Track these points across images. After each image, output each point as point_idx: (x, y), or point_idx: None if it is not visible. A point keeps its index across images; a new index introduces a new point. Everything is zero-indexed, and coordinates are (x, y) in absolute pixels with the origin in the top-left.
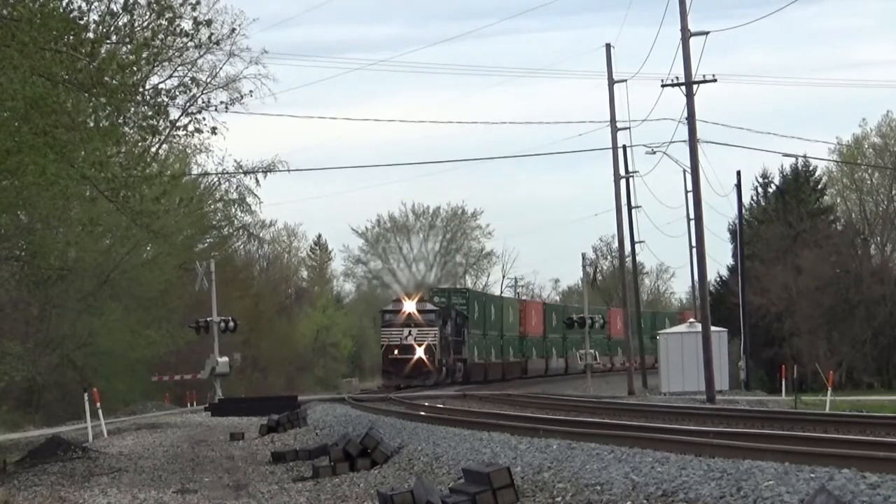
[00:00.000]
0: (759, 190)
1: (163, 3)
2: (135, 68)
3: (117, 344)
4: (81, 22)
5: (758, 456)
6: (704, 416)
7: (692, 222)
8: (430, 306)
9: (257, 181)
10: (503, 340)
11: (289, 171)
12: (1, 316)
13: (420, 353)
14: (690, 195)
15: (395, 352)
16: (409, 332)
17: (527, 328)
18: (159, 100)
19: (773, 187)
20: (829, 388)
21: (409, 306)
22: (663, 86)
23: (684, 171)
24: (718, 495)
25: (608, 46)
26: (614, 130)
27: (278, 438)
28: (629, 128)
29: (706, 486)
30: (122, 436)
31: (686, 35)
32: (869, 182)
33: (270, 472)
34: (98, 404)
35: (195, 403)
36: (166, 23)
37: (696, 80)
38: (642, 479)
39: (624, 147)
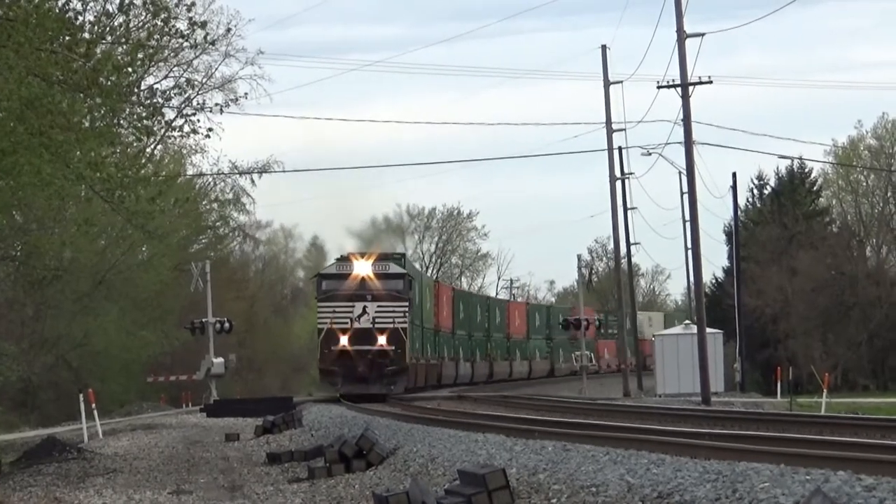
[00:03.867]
0: (755, 192)
1: (158, 3)
2: (130, 69)
3: (112, 344)
4: (77, 22)
5: (753, 458)
6: (700, 417)
7: (688, 224)
8: (394, 267)
9: (252, 182)
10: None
11: (284, 171)
12: None
13: (383, 341)
14: (686, 197)
15: (342, 340)
16: (365, 308)
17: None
18: (155, 101)
19: (769, 189)
20: (825, 391)
21: (364, 267)
22: (659, 87)
23: (680, 172)
24: (714, 497)
25: (604, 48)
26: (610, 132)
27: (273, 440)
28: (625, 129)
29: (702, 488)
30: (117, 437)
31: (682, 36)
32: (865, 184)
33: (266, 474)
34: (93, 405)
35: (190, 404)
36: (161, 23)
37: (691, 81)
38: (638, 481)
39: (620, 148)
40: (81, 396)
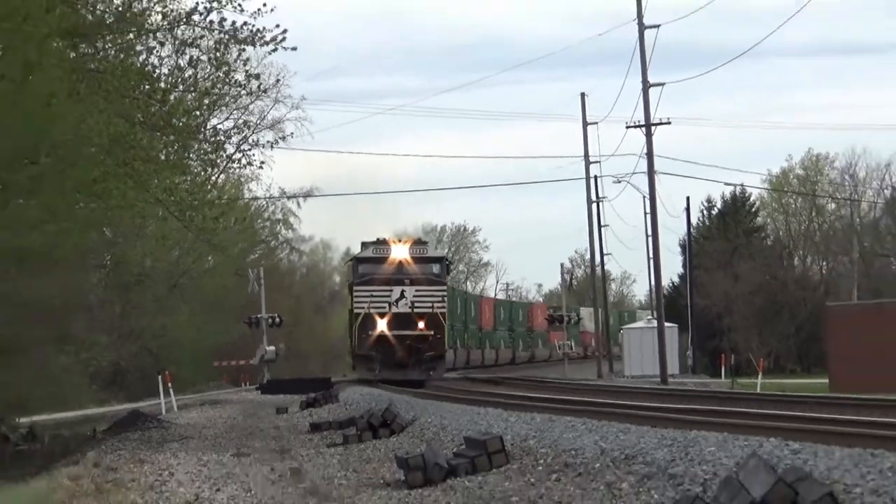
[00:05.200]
0: (705, 212)
1: (220, 59)
2: (198, 113)
3: (185, 336)
4: (154, 74)
5: (702, 428)
6: (659, 395)
7: (650, 239)
8: (431, 251)
9: (298, 204)
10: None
11: (323, 195)
12: (91, 314)
13: (422, 326)
14: (649, 217)
15: (380, 325)
16: (403, 292)
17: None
18: (218, 138)
19: (716, 210)
20: (760, 373)
21: (401, 251)
22: (627, 127)
23: (644, 197)
24: (670, 459)
25: (583, 95)
26: (587, 164)
27: (315, 412)
28: (599, 161)
29: (660, 452)
30: (188, 410)
31: (646, 86)
32: (793, 206)
33: (308, 440)
34: (170, 384)
35: (248, 384)
36: (223, 75)
37: (653, 122)
38: (608, 446)
39: (595, 177)
40: (160, 377)
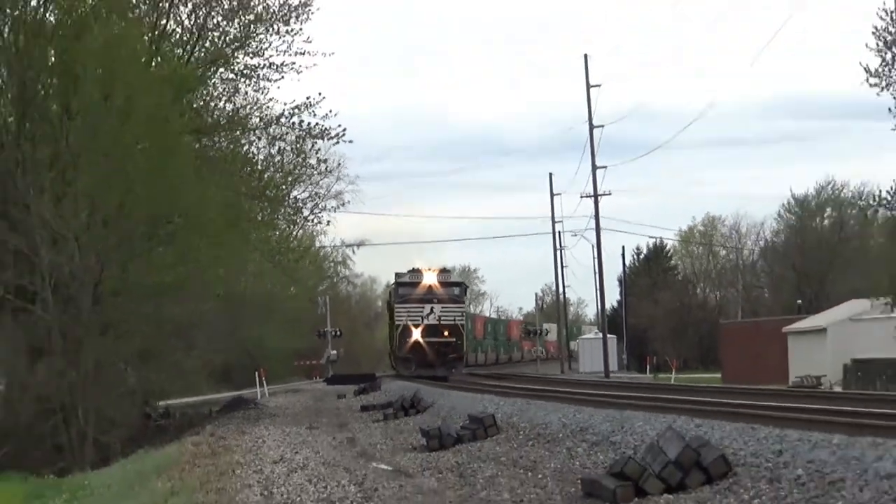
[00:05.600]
0: (635, 257)
1: (300, 149)
2: (283, 187)
3: (274, 343)
4: (254, 160)
5: (633, 408)
6: (603, 385)
7: (597, 276)
8: (453, 278)
9: (353, 251)
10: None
11: (373, 244)
12: (210, 328)
13: (447, 335)
14: (596, 260)
15: (415, 333)
16: (432, 308)
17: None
18: (297, 205)
19: (643, 255)
20: (673, 370)
21: (430, 277)
22: (581, 197)
23: (592, 246)
24: (611, 430)
25: (550, 175)
26: (553, 223)
27: (364, 398)
28: (562, 221)
29: (604, 425)
30: (276, 396)
31: (594, 168)
32: (696, 252)
33: (360, 417)
34: (264, 378)
35: (317, 378)
36: (301, 160)
37: (600, 193)
38: (568, 421)
39: (559, 233)
40: (257, 373)
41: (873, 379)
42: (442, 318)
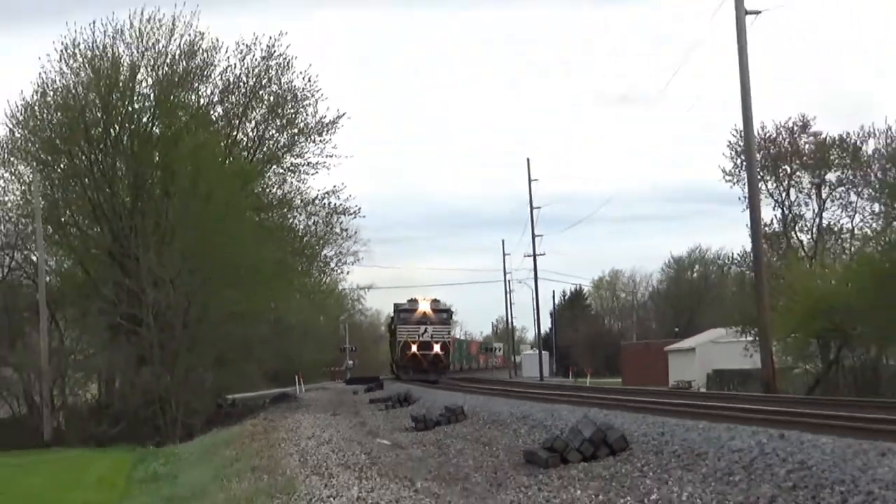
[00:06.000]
0: (562, 297)
1: (328, 220)
2: (317, 248)
3: (309, 356)
4: (296, 228)
5: (560, 402)
6: (538, 386)
7: (535, 310)
8: (443, 306)
9: (364, 292)
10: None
11: (378, 288)
12: (265, 345)
13: (437, 349)
14: (535, 302)
15: (413, 348)
16: (426, 329)
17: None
18: (326, 260)
19: (568, 296)
20: (588, 377)
21: (425, 305)
22: (525, 256)
23: (532, 290)
24: (544, 417)
25: (503, 241)
26: (505, 274)
27: (372, 394)
28: (511, 273)
29: (540, 414)
30: (310, 392)
31: (533, 236)
32: (605, 295)
33: (369, 407)
34: (301, 380)
35: (339, 380)
36: (329, 229)
37: (538, 254)
38: (515, 411)
39: (509, 281)
40: (297, 376)
41: (728, 383)
42: (434, 337)
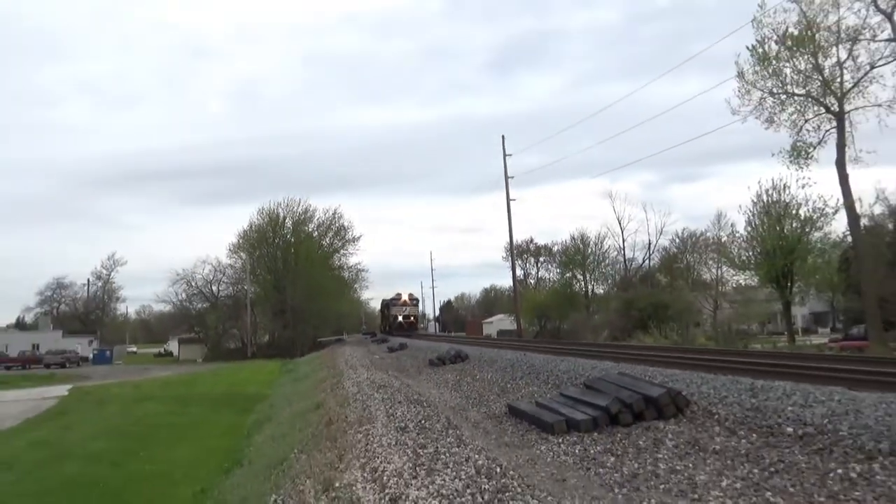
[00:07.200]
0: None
1: (357, 273)
2: (354, 284)
3: (347, 326)
4: (344, 277)
5: (444, 342)
6: (445, 338)
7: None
8: (415, 297)
9: (367, 301)
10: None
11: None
12: (332, 321)
13: (413, 320)
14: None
15: (400, 318)
16: (406, 308)
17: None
18: (355, 288)
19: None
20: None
21: (405, 296)
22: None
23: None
24: (438, 347)
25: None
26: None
27: (373, 338)
28: None
29: (439, 346)
30: (349, 338)
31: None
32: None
33: (371, 344)
34: (345, 334)
35: (359, 333)
36: (356, 275)
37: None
38: (432, 346)
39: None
40: (343, 332)
41: (503, 335)
42: (410, 313)
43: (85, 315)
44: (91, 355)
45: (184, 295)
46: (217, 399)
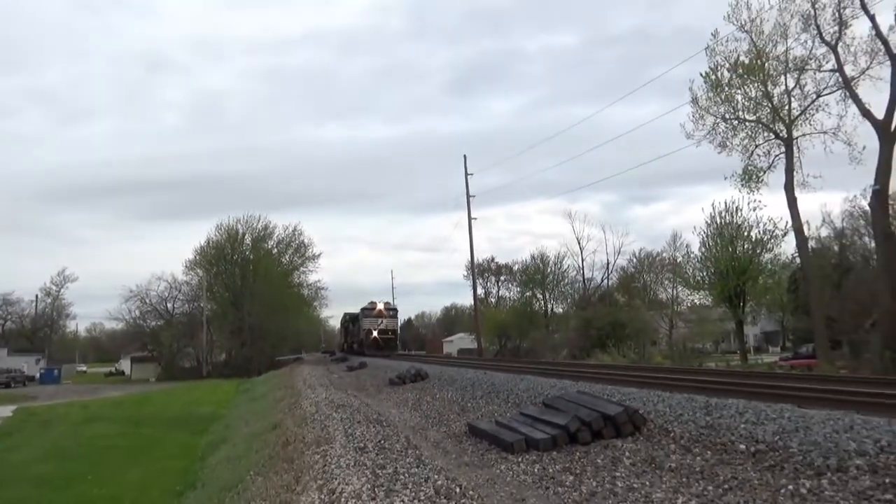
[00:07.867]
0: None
1: (317, 291)
2: (313, 301)
3: (306, 342)
4: (303, 294)
5: (406, 361)
6: (407, 357)
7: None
8: (392, 305)
9: (327, 319)
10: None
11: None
12: (290, 338)
13: (390, 335)
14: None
15: (374, 333)
16: (381, 321)
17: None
18: (315, 304)
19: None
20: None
21: (380, 305)
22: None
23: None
24: (398, 366)
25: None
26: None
27: (332, 357)
28: None
29: (399, 365)
30: (307, 356)
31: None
32: None
33: (330, 363)
34: (304, 352)
35: (317, 352)
36: (316, 293)
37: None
38: (392, 364)
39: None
40: (302, 350)
41: (465, 353)
42: (387, 326)
43: (32, 333)
44: (38, 374)
45: (137, 312)
46: (170, 419)
